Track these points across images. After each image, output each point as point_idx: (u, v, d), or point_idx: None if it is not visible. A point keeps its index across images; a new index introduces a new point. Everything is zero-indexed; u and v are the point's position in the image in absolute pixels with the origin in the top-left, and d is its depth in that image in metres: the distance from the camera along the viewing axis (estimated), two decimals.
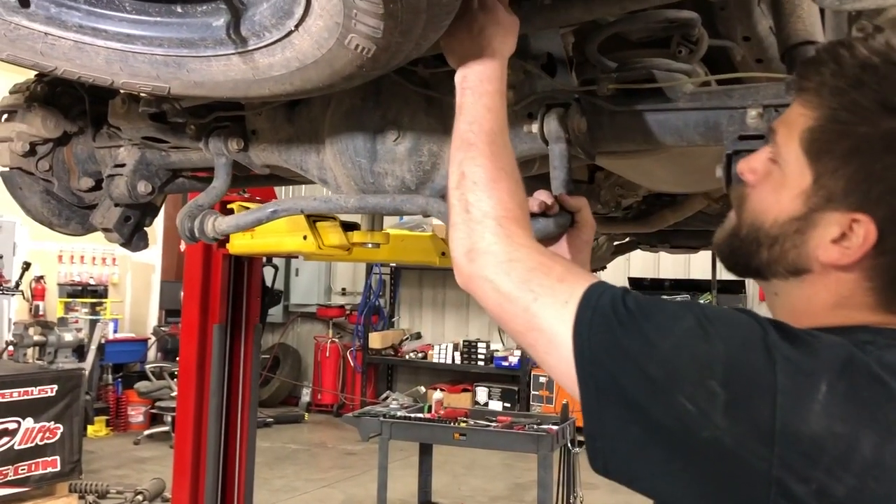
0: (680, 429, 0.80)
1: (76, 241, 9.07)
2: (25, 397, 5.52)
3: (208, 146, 1.79)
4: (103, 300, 9.78)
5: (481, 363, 10.12)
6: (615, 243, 4.80)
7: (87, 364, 7.35)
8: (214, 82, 1.35)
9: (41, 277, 9.24)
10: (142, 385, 9.20)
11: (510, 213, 1.04)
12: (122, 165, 1.94)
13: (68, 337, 6.15)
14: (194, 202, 1.79)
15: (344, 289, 11.72)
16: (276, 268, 6.43)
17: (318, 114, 1.72)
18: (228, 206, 3.61)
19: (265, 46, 1.23)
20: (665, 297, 9.40)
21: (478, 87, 1.16)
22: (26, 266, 8.46)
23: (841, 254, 0.88)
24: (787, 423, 0.77)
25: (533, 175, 2.10)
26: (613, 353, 0.84)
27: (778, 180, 0.93)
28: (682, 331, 0.82)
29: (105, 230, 2.05)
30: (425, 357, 10.58)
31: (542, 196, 1.34)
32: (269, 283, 6.13)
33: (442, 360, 10.40)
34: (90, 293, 9.68)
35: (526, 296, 0.94)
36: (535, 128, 1.46)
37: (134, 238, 2.09)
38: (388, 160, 1.61)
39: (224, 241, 3.51)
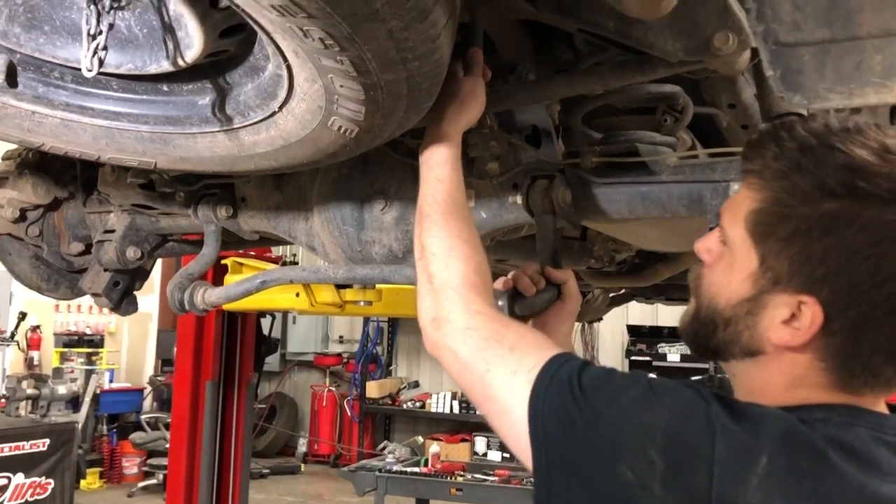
0: (620, 498, 0.81)
1: None
2: (17, 452, 5.45)
3: (197, 214, 1.80)
4: (99, 350, 9.71)
5: (480, 412, 9.99)
6: (611, 295, 4.80)
7: (81, 416, 7.27)
8: (200, 158, 1.36)
9: (37, 327, 9.19)
10: (136, 436, 9.09)
11: (467, 281, 1.09)
12: (112, 231, 1.94)
13: (62, 390, 6.11)
14: (184, 271, 1.79)
15: (341, 336, 11.65)
16: (273, 316, 6.40)
17: (307, 182, 1.73)
18: (223, 262, 3.61)
19: (250, 125, 1.25)
20: (663, 344, 9.37)
21: (428, 160, 1.23)
22: (22, 316, 8.42)
23: (791, 335, 0.88)
24: (723, 494, 0.77)
25: (524, 235, 2.12)
26: (564, 423, 0.86)
27: (728, 262, 0.94)
28: (628, 400, 0.85)
29: (94, 295, 2.04)
30: (423, 406, 10.45)
31: (529, 271, 1.35)
32: (265, 331, 6.11)
33: (440, 410, 10.28)
34: (86, 343, 9.61)
35: (480, 365, 0.98)
36: (519, 199, 1.47)
37: (123, 303, 2.08)
38: (376, 229, 1.61)
39: None
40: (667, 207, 1.44)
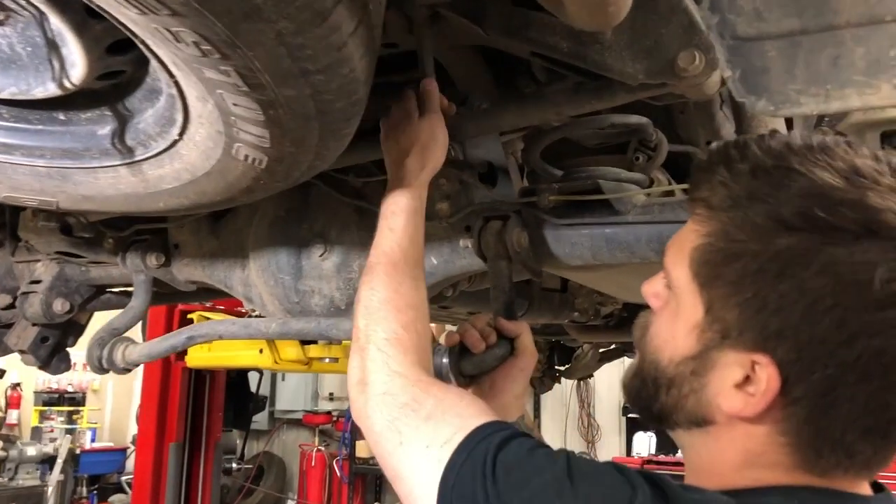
0: None
1: None
2: None
3: (125, 262, 1.64)
4: (80, 408, 9.42)
5: None
6: (601, 350, 4.62)
7: (53, 478, 6.98)
8: (104, 196, 1.21)
9: (17, 385, 8.92)
10: (116, 498, 8.74)
11: (392, 337, 0.96)
12: (38, 282, 1.78)
13: (31, 451, 5.85)
14: (108, 326, 1.62)
15: (331, 394, 11.34)
16: (260, 372, 6.16)
17: (244, 226, 1.58)
18: (188, 317, 3.43)
19: (153, 157, 1.09)
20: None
21: (384, 210, 1.12)
22: (0, 373, 8.17)
23: (744, 402, 0.72)
24: None
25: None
26: None
27: (673, 310, 0.79)
28: (538, 486, 0.71)
29: (21, 352, 1.87)
30: None
31: (479, 324, 1.19)
32: (253, 388, 5.87)
33: None
34: (67, 401, 9.33)
35: (393, 437, 0.84)
36: (471, 242, 1.31)
37: (53, 360, 1.90)
38: (315, 277, 1.45)
39: (182, 353, 3.31)
40: (634, 251, 1.27)
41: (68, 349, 1.98)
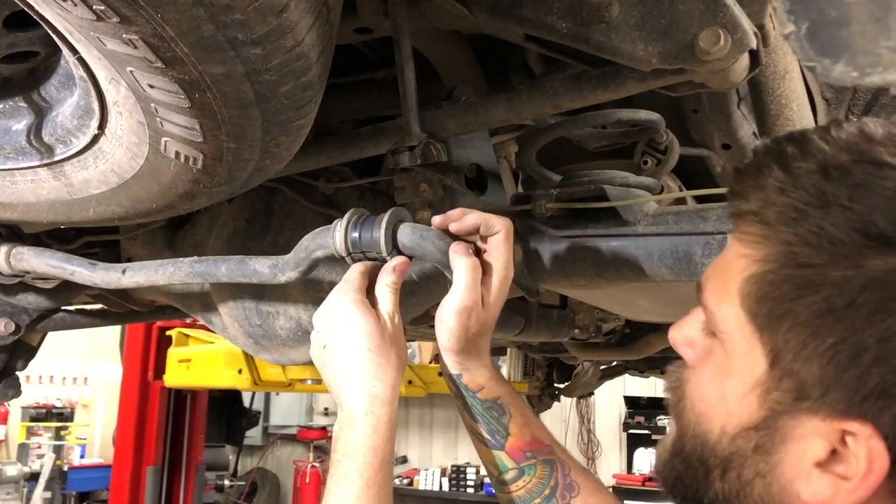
0: None
1: (47, 361, 8.59)
2: None
3: None
4: (68, 424, 9.23)
5: (471, 490, 9.46)
6: (602, 367, 4.47)
7: (36, 496, 6.77)
8: (25, 203, 1.04)
9: None
10: None
11: None
12: None
13: (11, 471, 5.64)
14: None
15: (326, 409, 11.15)
16: None
17: (204, 238, 1.41)
18: (167, 333, 3.26)
19: (74, 156, 0.92)
20: (663, 417, 8.91)
21: None
22: None
23: (834, 488, 0.53)
24: None
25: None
26: None
27: (720, 363, 0.60)
28: None
29: None
30: (411, 483, 9.92)
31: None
32: (246, 403, 5.68)
33: (429, 487, 9.75)
34: (55, 416, 9.14)
35: None
36: None
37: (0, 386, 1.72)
38: (279, 296, 1.27)
39: (160, 373, 3.14)
40: (645, 268, 1.10)
41: (18, 372, 1.80)
